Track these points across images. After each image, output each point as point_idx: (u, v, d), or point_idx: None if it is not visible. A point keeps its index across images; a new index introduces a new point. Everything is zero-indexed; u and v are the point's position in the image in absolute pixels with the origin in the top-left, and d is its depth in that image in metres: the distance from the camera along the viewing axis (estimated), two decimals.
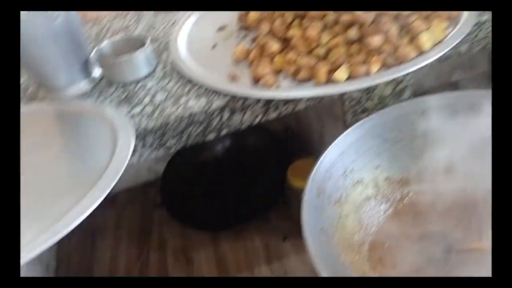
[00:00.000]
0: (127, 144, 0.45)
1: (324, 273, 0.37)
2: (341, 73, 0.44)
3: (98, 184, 0.41)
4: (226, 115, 0.48)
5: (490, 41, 0.51)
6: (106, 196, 0.40)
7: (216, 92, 0.48)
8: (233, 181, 0.71)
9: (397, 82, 0.52)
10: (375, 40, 0.44)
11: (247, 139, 0.72)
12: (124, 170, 0.42)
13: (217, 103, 0.47)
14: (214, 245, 0.70)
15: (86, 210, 0.40)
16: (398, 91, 0.53)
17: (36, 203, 0.43)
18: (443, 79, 0.78)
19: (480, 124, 0.42)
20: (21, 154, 0.50)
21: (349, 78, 0.44)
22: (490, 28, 0.50)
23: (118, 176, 0.42)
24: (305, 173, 0.61)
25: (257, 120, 0.49)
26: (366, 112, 0.53)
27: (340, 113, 0.56)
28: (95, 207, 0.40)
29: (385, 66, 0.45)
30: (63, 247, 0.76)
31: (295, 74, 0.46)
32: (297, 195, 0.62)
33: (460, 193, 0.47)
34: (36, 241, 0.38)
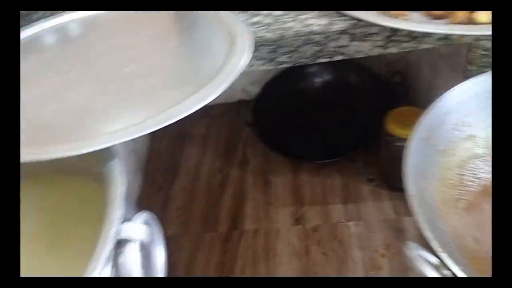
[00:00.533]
0: (243, 50, 0.45)
1: (420, 215, 0.36)
2: (484, 14, 0.40)
3: (212, 82, 0.42)
4: (344, 40, 0.46)
5: None
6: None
7: (340, 14, 0.46)
8: (327, 116, 0.70)
9: None
10: None
11: (349, 76, 0.70)
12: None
13: (339, 25, 0.46)
14: (294, 174, 0.71)
15: (197, 104, 0.41)
16: None
17: (149, 91, 0.46)
18: None
19: None
20: (139, 43, 0.53)
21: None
22: None
23: (231, 79, 0.42)
24: (405, 121, 0.59)
25: (375, 51, 0.47)
26: None
27: (462, 63, 0.51)
28: (206, 102, 0.41)
29: None
30: (155, 146, 0.81)
31: None
32: (392, 142, 0.60)
33: None
34: (145, 123, 0.40)
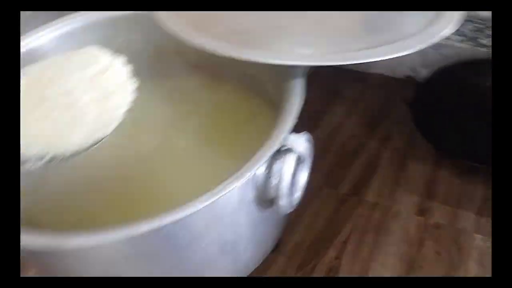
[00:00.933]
0: (451, 18, 0.43)
1: None
2: None
3: (411, 38, 0.42)
4: None
5: None
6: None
7: None
8: (488, 118, 0.65)
9: None
10: None
11: None
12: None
13: None
14: (435, 165, 0.68)
15: (389, 53, 0.41)
16: None
17: (343, 29, 0.47)
18: None
19: None
20: None
21: None
22: None
23: (430, 42, 0.42)
24: None
25: None
26: None
27: None
28: (397, 55, 0.41)
29: None
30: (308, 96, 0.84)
31: None
32: None
33: None
34: (335, 55, 0.41)
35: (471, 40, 0.46)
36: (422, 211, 0.64)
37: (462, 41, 0.47)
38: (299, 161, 0.39)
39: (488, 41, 0.45)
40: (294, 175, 0.39)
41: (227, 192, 0.34)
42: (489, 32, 0.45)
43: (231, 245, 0.39)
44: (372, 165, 0.70)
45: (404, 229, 0.62)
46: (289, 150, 0.37)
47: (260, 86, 0.52)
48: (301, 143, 0.37)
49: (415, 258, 0.59)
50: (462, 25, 0.46)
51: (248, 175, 0.35)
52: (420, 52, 0.66)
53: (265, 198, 0.38)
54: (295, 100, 0.40)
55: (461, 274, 0.57)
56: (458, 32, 0.47)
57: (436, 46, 0.49)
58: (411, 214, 0.64)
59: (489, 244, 0.59)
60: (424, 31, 0.42)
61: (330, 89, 0.83)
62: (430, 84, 0.71)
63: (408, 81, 0.79)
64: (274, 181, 0.37)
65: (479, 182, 0.65)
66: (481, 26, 0.45)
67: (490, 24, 0.44)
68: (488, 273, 0.56)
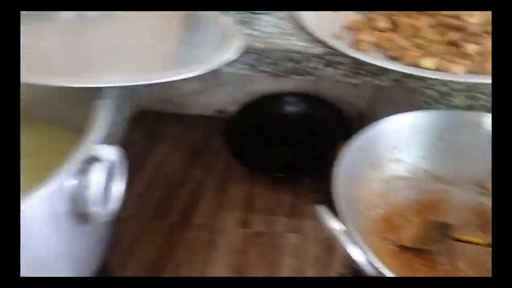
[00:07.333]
0: (233, 50, 0.53)
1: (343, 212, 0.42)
2: (429, 62, 0.50)
3: (198, 65, 0.49)
4: (320, 64, 0.56)
5: None
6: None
7: (320, 42, 0.56)
8: (288, 139, 0.82)
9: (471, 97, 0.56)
10: (471, 48, 0.50)
11: (317, 111, 0.82)
12: None
13: (316, 50, 0.55)
14: (250, 184, 0.77)
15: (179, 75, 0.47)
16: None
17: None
18: None
19: None
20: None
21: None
22: None
23: (212, 67, 0.49)
24: None
25: (340, 78, 0.56)
26: None
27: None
28: (187, 76, 0.47)
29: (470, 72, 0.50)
30: (130, 137, 0.86)
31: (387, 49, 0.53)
32: None
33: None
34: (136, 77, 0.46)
35: (253, 67, 0.57)
36: (244, 224, 0.71)
37: (243, 69, 0.57)
38: (111, 171, 0.41)
39: (267, 67, 0.56)
40: (107, 185, 0.41)
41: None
42: (267, 60, 0.56)
43: (43, 262, 0.38)
44: (197, 192, 0.76)
45: (230, 242, 0.68)
46: (97, 159, 0.39)
47: (79, 102, 0.52)
48: (110, 153, 0.40)
49: (241, 264, 0.65)
50: (243, 55, 0.56)
51: (54, 186, 0.36)
52: (227, 92, 0.77)
53: (81, 211, 0.39)
54: (102, 115, 0.43)
55: (279, 268, 0.65)
56: (241, 62, 0.57)
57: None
58: (236, 228, 0.70)
59: (300, 239, 0.69)
60: (211, 59, 0.51)
61: (152, 131, 0.88)
62: (238, 118, 0.83)
63: (220, 118, 0.89)
64: (87, 191, 0.38)
65: (286, 190, 0.76)
66: (260, 56, 0.56)
67: (270, 55, 0.55)
68: (300, 263, 0.66)
